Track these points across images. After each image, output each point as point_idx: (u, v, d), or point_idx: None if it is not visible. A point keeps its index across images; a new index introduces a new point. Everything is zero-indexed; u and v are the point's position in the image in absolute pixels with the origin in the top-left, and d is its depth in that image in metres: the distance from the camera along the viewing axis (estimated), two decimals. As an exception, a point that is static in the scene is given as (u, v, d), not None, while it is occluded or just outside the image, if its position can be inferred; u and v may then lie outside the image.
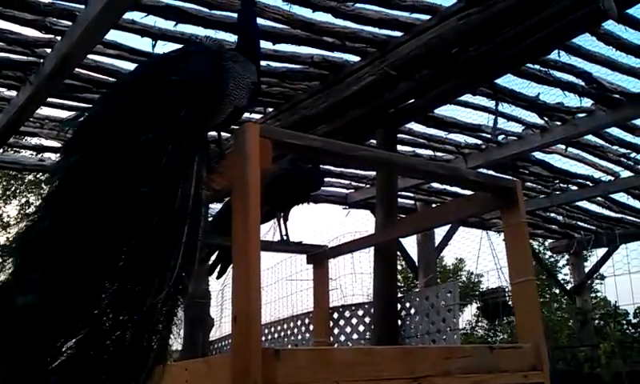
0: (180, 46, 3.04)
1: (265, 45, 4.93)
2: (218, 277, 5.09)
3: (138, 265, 2.07)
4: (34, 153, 7.08)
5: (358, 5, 4.58)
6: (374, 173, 6.96)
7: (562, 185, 8.79)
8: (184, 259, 2.13)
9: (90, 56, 4.85)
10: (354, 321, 5.02)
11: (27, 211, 15.43)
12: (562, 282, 14.02)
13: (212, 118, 2.65)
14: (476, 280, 14.86)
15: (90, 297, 2.01)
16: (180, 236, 2.15)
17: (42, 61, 4.76)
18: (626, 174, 8.19)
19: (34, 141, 6.67)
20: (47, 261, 2.04)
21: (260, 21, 4.53)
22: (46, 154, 6.93)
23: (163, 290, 2.04)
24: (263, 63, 5.19)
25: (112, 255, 2.08)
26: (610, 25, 4.82)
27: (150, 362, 2.00)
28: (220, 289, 8.57)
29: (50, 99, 5.38)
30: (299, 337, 5.49)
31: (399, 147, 6.53)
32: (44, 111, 5.99)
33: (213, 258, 4.36)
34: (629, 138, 6.98)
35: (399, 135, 6.37)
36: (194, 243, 2.19)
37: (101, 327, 1.98)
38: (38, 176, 14.78)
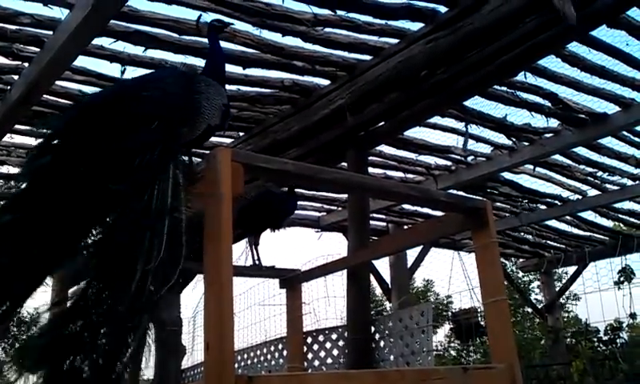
0: (150, 71, 3.11)
1: (235, 69, 4.94)
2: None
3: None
4: (1, 180, 6.96)
5: (327, 29, 4.61)
6: (345, 196, 6.97)
7: (530, 204, 8.89)
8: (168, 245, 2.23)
9: (58, 82, 4.80)
10: (328, 345, 4.99)
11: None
12: (534, 301, 14.12)
13: (187, 133, 2.77)
14: (445, 301, 14.89)
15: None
16: (162, 227, 2.25)
17: (8, 87, 4.70)
18: (593, 192, 8.32)
19: (1, 169, 6.56)
20: None
21: (230, 46, 4.56)
22: (14, 182, 6.82)
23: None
24: (234, 87, 5.22)
25: None
26: (575, 46, 4.92)
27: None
28: (192, 316, 8.49)
29: (17, 126, 5.31)
30: (273, 363, 5.43)
31: (370, 169, 6.56)
32: (11, 138, 5.91)
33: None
34: (595, 156, 7.10)
35: (370, 157, 6.41)
36: (178, 236, 2.27)
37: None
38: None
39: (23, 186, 2.46)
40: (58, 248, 2.31)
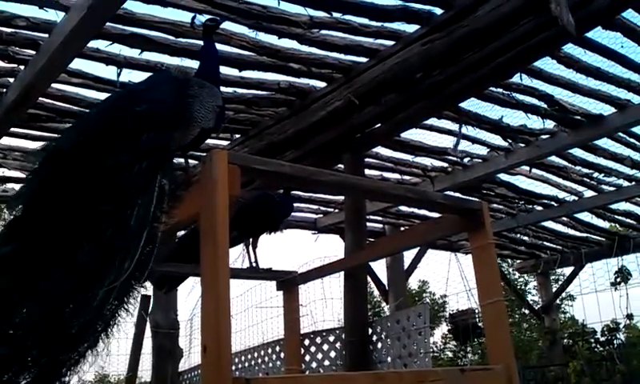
0: (146, 74, 3.11)
1: (231, 72, 4.95)
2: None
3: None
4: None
5: (323, 31, 4.61)
6: (342, 197, 6.97)
7: (527, 206, 8.89)
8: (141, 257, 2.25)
9: (54, 85, 4.79)
10: (326, 347, 4.99)
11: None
12: (531, 302, 14.14)
13: (179, 139, 2.78)
14: (441, 301, 14.92)
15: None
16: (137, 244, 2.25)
17: (4, 90, 4.68)
18: (589, 193, 8.33)
19: (-3, 171, 6.54)
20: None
21: (226, 48, 4.56)
22: (9, 185, 6.80)
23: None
24: (230, 90, 5.22)
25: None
26: (571, 48, 4.93)
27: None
28: (189, 318, 8.48)
29: (12, 129, 5.30)
30: (270, 365, 5.43)
31: (366, 171, 6.56)
32: (7, 141, 5.89)
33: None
34: (591, 158, 7.11)
35: (366, 159, 6.41)
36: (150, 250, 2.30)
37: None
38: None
39: (20, 209, 2.46)
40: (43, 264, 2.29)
